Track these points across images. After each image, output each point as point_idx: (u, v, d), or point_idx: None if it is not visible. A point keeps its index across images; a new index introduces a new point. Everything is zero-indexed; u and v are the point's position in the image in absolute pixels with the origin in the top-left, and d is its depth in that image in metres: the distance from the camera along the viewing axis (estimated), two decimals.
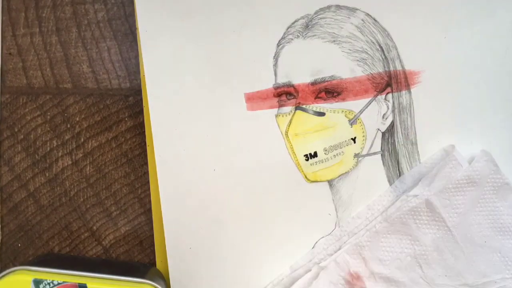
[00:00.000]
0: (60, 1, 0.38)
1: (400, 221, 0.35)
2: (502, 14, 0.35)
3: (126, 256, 0.39)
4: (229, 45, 0.36)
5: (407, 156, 0.36)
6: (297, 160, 0.36)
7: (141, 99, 0.37)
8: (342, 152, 0.36)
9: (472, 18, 0.35)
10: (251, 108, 0.36)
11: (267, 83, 0.36)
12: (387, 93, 0.36)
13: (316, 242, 0.37)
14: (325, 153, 0.36)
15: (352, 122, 0.36)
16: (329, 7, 0.35)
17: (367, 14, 0.35)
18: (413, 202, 0.35)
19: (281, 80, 0.36)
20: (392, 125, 0.36)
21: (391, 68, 0.36)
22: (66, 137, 0.38)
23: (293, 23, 0.36)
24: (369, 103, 0.36)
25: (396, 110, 0.36)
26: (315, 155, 0.36)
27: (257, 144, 0.36)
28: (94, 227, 0.39)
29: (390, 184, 0.37)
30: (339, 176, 0.37)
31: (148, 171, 0.37)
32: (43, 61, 0.38)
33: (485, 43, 0.36)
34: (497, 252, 0.35)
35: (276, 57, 0.36)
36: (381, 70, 0.36)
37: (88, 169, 0.38)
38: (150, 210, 0.38)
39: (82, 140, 0.38)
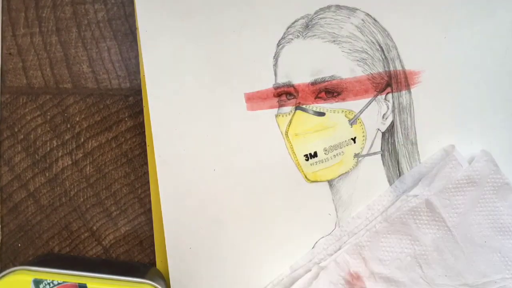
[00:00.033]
0: (60, 1, 0.38)
1: (400, 221, 0.35)
2: (502, 14, 0.35)
3: (126, 256, 0.39)
4: (229, 45, 0.36)
5: (407, 156, 0.36)
6: (297, 160, 0.36)
7: (141, 99, 0.37)
8: (342, 152, 0.36)
9: (472, 18, 0.35)
10: (251, 108, 0.36)
11: (267, 83, 0.36)
12: (387, 93, 0.36)
13: (316, 242, 0.37)
14: (325, 153, 0.36)
15: (352, 122, 0.36)
16: (329, 7, 0.35)
17: (367, 14, 0.35)
18: (413, 202, 0.35)
19: (281, 80, 0.36)
20: (392, 125, 0.36)
21: (391, 68, 0.36)
22: (66, 137, 0.38)
23: (293, 23, 0.36)
24: (369, 103, 0.36)
25: (396, 110, 0.36)
26: (315, 155, 0.36)
27: (257, 144, 0.36)
28: (94, 227, 0.39)
29: (390, 184, 0.37)
30: (339, 176, 0.37)
31: (148, 171, 0.37)
32: (43, 61, 0.38)
33: (485, 43, 0.36)
34: (497, 252, 0.35)
35: (276, 57, 0.36)
36: (381, 70, 0.36)
37: (88, 169, 0.38)
38: (150, 210, 0.38)
39: (82, 140, 0.38)
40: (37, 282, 0.32)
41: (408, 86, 0.36)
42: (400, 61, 0.36)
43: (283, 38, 0.36)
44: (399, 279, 0.35)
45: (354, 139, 0.36)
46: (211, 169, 0.36)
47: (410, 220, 0.35)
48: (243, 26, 0.36)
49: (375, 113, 0.36)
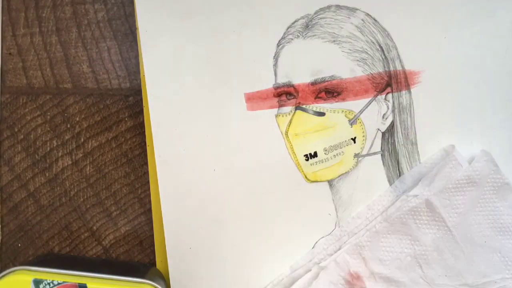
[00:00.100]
0: (60, 1, 0.38)
1: (400, 221, 0.35)
2: (502, 14, 0.35)
3: (126, 256, 0.39)
4: (229, 45, 0.36)
5: (407, 156, 0.36)
6: (297, 160, 0.36)
7: (141, 99, 0.37)
8: (342, 152, 0.36)
9: (472, 18, 0.35)
10: (251, 108, 0.36)
11: (267, 83, 0.36)
12: (387, 93, 0.36)
13: (316, 242, 0.37)
14: (325, 153, 0.36)
15: (352, 122, 0.36)
16: (329, 7, 0.35)
17: (367, 14, 0.35)
18: (413, 202, 0.35)
19: (281, 80, 0.36)
20: (392, 125, 0.36)
21: (391, 68, 0.36)
22: (66, 137, 0.38)
23: (293, 23, 0.36)
24: (369, 103, 0.36)
25: (396, 110, 0.36)
26: (315, 155, 0.36)
27: (257, 144, 0.36)
28: (94, 227, 0.39)
29: (390, 184, 0.37)
30: (339, 176, 0.37)
31: (148, 171, 0.37)
32: (43, 61, 0.38)
33: (485, 43, 0.36)
34: (497, 252, 0.35)
35: (276, 57, 0.36)
36: (381, 70, 0.36)
37: (88, 169, 0.38)
38: (150, 210, 0.38)
39: (82, 140, 0.38)
40: (37, 282, 0.32)
41: (408, 86, 0.36)
42: (400, 61, 0.36)
43: (283, 38, 0.36)
44: (399, 279, 0.35)
45: (354, 139, 0.36)
46: (211, 169, 0.36)
47: (410, 220, 0.35)
48: (243, 26, 0.36)
49: (375, 113, 0.36)
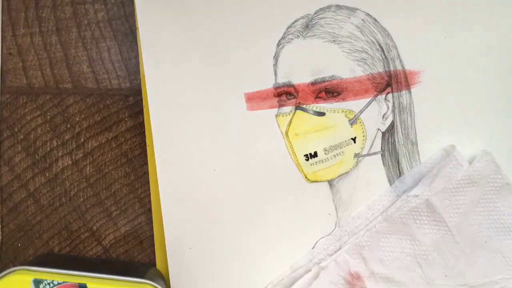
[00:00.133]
0: (60, 1, 0.38)
1: (400, 221, 0.35)
2: (502, 14, 0.35)
3: (126, 256, 0.39)
4: (229, 45, 0.36)
5: (407, 156, 0.36)
6: (297, 160, 0.36)
7: (141, 99, 0.37)
8: (342, 152, 0.36)
9: (472, 18, 0.35)
10: (251, 108, 0.36)
11: (267, 83, 0.36)
12: (387, 93, 0.36)
13: (316, 242, 0.37)
14: (325, 153, 0.36)
15: (352, 122, 0.36)
16: (329, 7, 0.35)
17: (367, 14, 0.35)
18: (414, 202, 0.35)
19: (281, 80, 0.36)
20: (392, 125, 0.36)
21: (391, 68, 0.36)
22: (66, 137, 0.38)
23: (293, 23, 0.36)
24: (369, 103, 0.36)
25: (396, 110, 0.36)
26: (315, 155, 0.36)
27: (257, 144, 0.36)
28: (94, 227, 0.39)
29: (390, 184, 0.37)
30: (339, 176, 0.36)
31: (148, 171, 0.37)
32: (43, 61, 0.38)
33: (485, 43, 0.36)
34: (497, 252, 0.35)
35: (276, 57, 0.36)
36: (381, 70, 0.36)
37: (88, 169, 0.38)
38: (150, 210, 0.38)
39: (82, 140, 0.38)
40: (37, 282, 0.32)
41: (408, 86, 0.36)
42: (400, 61, 0.36)
43: (283, 38, 0.36)
44: (399, 279, 0.35)
45: (354, 139, 0.36)
46: (211, 169, 0.36)
47: (410, 220, 0.35)
48: (243, 26, 0.36)
49: (375, 113, 0.36)
